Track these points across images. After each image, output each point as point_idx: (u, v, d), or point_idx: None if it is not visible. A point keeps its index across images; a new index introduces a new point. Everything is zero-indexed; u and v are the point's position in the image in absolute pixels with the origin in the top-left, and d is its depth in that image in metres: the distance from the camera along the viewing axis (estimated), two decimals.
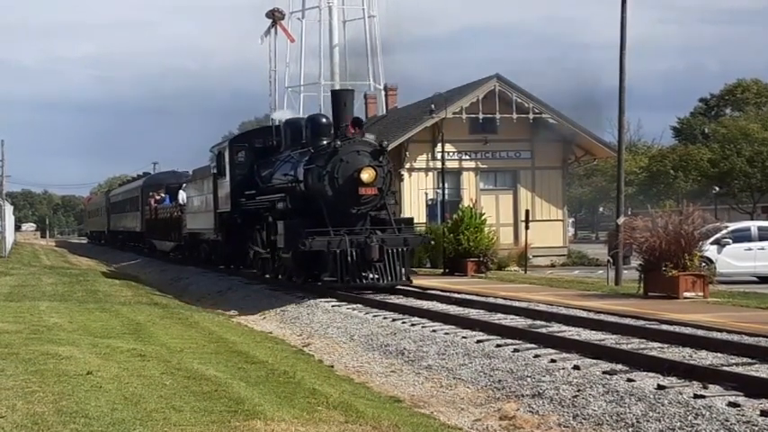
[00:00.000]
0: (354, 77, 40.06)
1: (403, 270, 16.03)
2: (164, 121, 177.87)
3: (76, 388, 7.39)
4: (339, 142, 16.09)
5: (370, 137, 17.16)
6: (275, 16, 43.44)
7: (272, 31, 43.82)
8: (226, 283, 21.23)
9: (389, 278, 15.76)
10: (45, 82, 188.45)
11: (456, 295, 15.12)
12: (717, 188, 45.96)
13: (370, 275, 15.66)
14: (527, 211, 26.11)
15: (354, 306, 14.60)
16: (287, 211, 17.09)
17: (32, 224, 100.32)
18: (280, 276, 18.74)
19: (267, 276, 19.69)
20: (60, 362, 8.70)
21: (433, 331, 11.12)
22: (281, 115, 25.65)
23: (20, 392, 7.21)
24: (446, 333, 10.94)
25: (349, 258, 15.45)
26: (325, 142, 17.02)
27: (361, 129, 16.67)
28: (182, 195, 29.67)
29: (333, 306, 14.80)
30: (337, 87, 36.05)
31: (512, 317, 12.27)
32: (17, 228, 75.24)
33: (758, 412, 6.51)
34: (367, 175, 16.02)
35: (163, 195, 34.93)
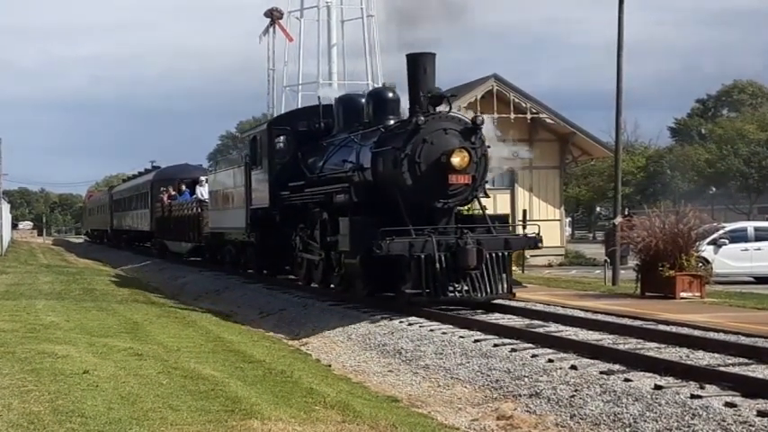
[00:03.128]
0: (352, 77, 40.05)
1: (504, 280, 12.69)
2: (161, 122, 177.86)
3: (73, 387, 7.38)
4: (423, 118, 12.72)
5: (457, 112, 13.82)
6: (274, 15, 43.45)
7: (271, 30, 43.83)
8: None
9: (487, 290, 12.38)
10: (43, 82, 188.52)
11: None
12: (714, 188, 46.03)
13: (460, 287, 12.34)
14: (524, 211, 26.10)
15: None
16: (349, 205, 13.87)
17: (29, 222, 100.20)
18: (333, 286, 15.45)
19: (315, 286, 16.36)
20: (57, 361, 8.69)
21: (431, 330, 11.12)
22: (328, 92, 22.04)
23: (16, 391, 7.20)
24: (443, 333, 10.94)
25: (437, 265, 12.10)
26: (392, 122, 14.06)
27: (448, 102, 13.17)
28: (201, 190, 26.35)
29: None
30: (335, 87, 35.99)
31: (509, 316, 12.27)
32: (14, 226, 75.08)
33: (755, 412, 6.51)
34: (459, 158, 12.68)
35: (184, 189, 30.38)
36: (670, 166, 48.26)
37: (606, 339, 9.95)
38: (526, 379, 8.39)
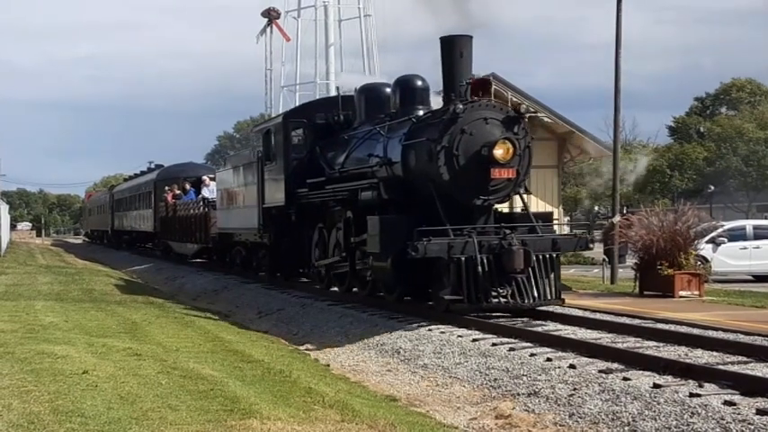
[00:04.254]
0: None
1: (552, 285, 11.61)
2: (159, 122, 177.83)
3: (72, 387, 7.38)
4: (461, 106, 11.62)
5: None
6: (271, 15, 43.45)
7: (268, 30, 43.83)
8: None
9: (534, 296, 11.36)
10: (41, 82, 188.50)
11: None
12: (712, 187, 46.07)
13: (504, 293, 11.27)
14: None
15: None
16: (376, 203, 12.77)
17: (28, 223, 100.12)
18: (355, 290, 14.50)
19: (335, 290, 15.38)
20: (56, 361, 8.69)
21: (429, 330, 11.12)
22: (347, 80, 20.44)
23: (15, 392, 7.20)
24: (441, 332, 10.94)
25: (479, 269, 11.08)
26: (421, 112, 13.05)
27: (487, 89, 12.20)
28: (208, 189, 25.20)
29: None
30: (333, 87, 35.90)
31: (507, 316, 12.23)
32: (13, 227, 75.02)
33: (754, 411, 6.52)
34: (502, 150, 11.61)
35: (189, 188, 29.25)
36: (669, 165, 48.30)
37: (605, 338, 9.96)
38: (525, 378, 8.39)
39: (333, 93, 25.73)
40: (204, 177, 26.74)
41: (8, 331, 11.04)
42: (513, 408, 7.73)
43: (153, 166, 42.85)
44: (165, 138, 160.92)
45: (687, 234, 15.00)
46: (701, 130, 51.72)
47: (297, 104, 31.74)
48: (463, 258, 11.12)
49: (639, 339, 9.81)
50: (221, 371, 8.67)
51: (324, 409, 7.08)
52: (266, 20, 43.69)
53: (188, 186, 29.30)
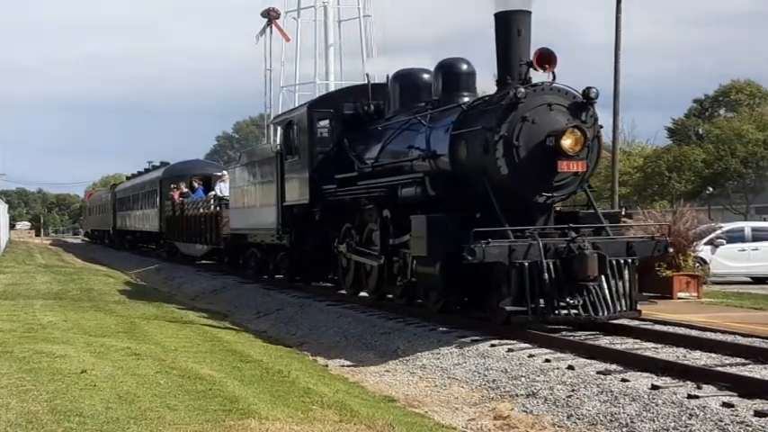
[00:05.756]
0: (349, 77, 40.04)
1: (626, 295, 10.19)
2: (158, 122, 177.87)
3: (71, 386, 7.38)
4: (523, 90, 10.31)
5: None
6: (271, 15, 43.41)
7: (268, 30, 43.80)
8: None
9: (609, 307, 9.94)
10: (41, 82, 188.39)
11: None
12: (711, 189, 46.09)
13: (575, 303, 9.90)
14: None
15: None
16: (420, 200, 11.52)
17: (27, 223, 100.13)
18: (391, 296, 13.22)
19: (365, 295, 14.16)
20: (54, 360, 8.69)
21: (429, 330, 11.11)
22: (377, 67, 19.39)
23: (14, 391, 7.20)
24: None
25: (546, 275, 9.76)
26: (466, 98, 11.82)
27: (552, 64, 10.65)
28: (220, 187, 24.00)
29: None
30: (332, 87, 35.91)
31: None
32: (12, 226, 74.99)
33: (752, 412, 6.52)
34: (571, 140, 10.22)
35: (197, 186, 28.18)
36: (667, 167, 48.30)
37: (603, 339, 9.95)
38: (523, 379, 8.40)
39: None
40: (222, 172, 25.58)
41: (7, 330, 11.05)
42: (512, 409, 7.74)
43: (151, 166, 41.88)
44: (164, 138, 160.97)
45: (686, 236, 15.00)
46: (700, 131, 51.74)
47: (296, 104, 31.33)
48: (526, 264, 9.77)
49: (638, 341, 9.80)
50: (220, 371, 8.67)
51: (322, 410, 7.09)
52: (266, 20, 43.66)
53: (196, 184, 28.44)
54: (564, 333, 10.20)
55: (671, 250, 10.90)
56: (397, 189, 12.05)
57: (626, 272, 10.21)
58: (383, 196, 12.55)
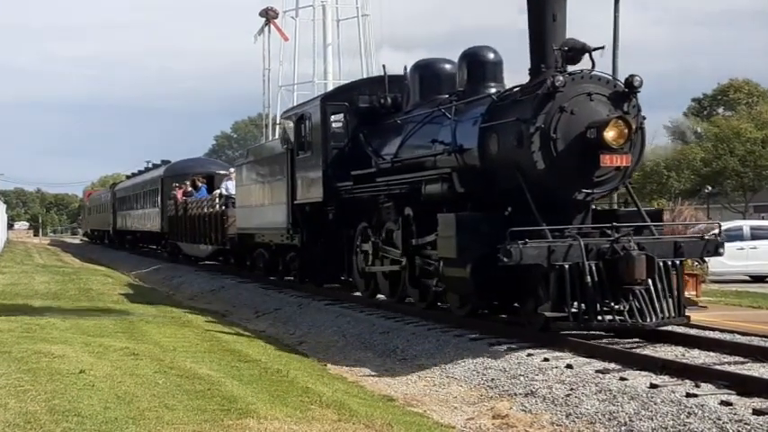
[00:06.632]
0: (348, 77, 40.03)
1: (674, 299, 9.40)
2: (157, 122, 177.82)
3: (69, 386, 7.38)
4: (561, 78, 9.59)
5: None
6: (269, 15, 43.40)
7: (266, 30, 43.80)
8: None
9: (657, 313, 9.19)
10: (40, 82, 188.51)
11: None
12: (709, 187, 46.14)
13: (622, 308, 9.15)
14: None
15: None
16: (447, 197, 10.78)
17: (25, 223, 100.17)
18: (410, 299, 12.61)
19: (382, 298, 13.53)
20: (53, 360, 8.69)
21: (428, 329, 11.11)
22: (392, 57, 19.41)
23: (12, 391, 7.20)
24: (441, 332, 10.92)
25: (588, 278, 9.03)
26: (493, 89, 11.20)
27: (590, 56, 9.99)
28: (226, 185, 23.42)
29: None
30: (331, 87, 35.87)
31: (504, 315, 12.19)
32: (10, 226, 75.02)
33: (750, 411, 6.53)
34: (615, 132, 9.51)
35: (200, 185, 27.60)
36: (666, 165, 48.34)
37: (601, 338, 9.95)
38: (522, 378, 8.40)
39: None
40: (229, 170, 24.85)
41: (5, 330, 11.04)
42: (510, 408, 7.74)
43: (152, 165, 41.31)
44: (163, 138, 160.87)
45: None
46: (699, 130, 51.79)
47: (294, 104, 31.07)
48: (567, 266, 9.03)
49: (636, 339, 9.81)
50: (218, 370, 8.67)
51: (321, 409, 7.09)
52: (264, 19, 43.65)
53: (199, 183, 27.88)
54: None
55: (722, 251, 10.15)
56: (421, 186, 11.32)
57: (674, 274, 9.50)
58: (405, 193, 11.91)
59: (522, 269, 9.23)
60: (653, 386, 7.38)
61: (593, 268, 9.04)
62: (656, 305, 9.18)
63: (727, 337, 9.72)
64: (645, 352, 8.86)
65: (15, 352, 9.17)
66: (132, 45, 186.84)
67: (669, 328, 9.85)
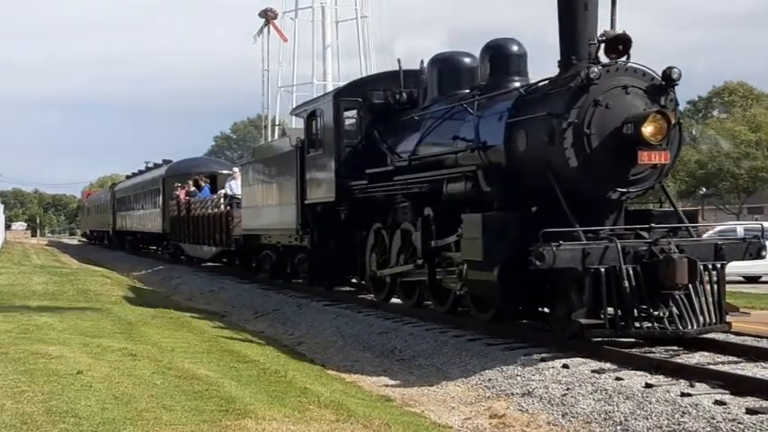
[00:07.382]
0: (347, 78, 40.08)
1: (714, 305, 8.90)
2: (156, 122, 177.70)
3: (66, 387, 7.39)
4: (596, 70, 9.01)
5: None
6: (268, 16, 43.43)
7: (265, 31, 43.82)
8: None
9: (699, 320, 8.69)
10: (40, 81, 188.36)
11: None
12: (704, 189, 46.24)
13: (661, 314, 8.62)
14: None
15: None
16: (471, 197, 10.28)
17: (23, 223, 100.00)
18: (428, 303, 12.18)
19: (398, 301, 13.03)
20: (50, 361, 8.70)
21: (426, 330, 11.14)
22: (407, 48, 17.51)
23: (9, 392, 7.21)
24: (440, 332, 10.91)
25: (625, 283, 8.52)
26: (518, 83, 10.62)
27: (627, 50, 9.33)
28: (231, 185, 22.85)
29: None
30: (330, 88, 35.89)
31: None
32: (7, 227, 74.89)
33: (744, 410, 6.57)
34: (653, 127, 8.93)
35: (203, 184, 27.11)
36: None
37: (634, 346, 9.84)
38: (518, 378, 8.44)
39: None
40: (234, 170, 24.45)
41: (2, 331, 11.04)
42: (507, 407, 7.77)
43: (153, 164, 40.65)
44: (162, 138, 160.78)
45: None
46: (693, 132, 51.91)
47: (294, 105, 30.76)
48: (603, 270, 8.49)
49: (632, 339, 9.83)
50: (217, 371, 8.69)
51: (319, 409, 7.11)
52: (263, 20, 43.67)
53: (202, 183, 27.44)
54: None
55: (764, 254, 9.52)
56: (443, 185, 10.79)
57: (715, 278, 9.03)
58: (424, 193, 11.35)
59: (553, 273, 8.74)
60: (648, 386, 7.42)
61: (631, 272, 8.54)
62: (697, 311, 8.68)
63: (721, 336, 9.75)
64: (640, 352, 8.84)
65: (12, 353, 9.17)
66: (132, 44, 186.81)
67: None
